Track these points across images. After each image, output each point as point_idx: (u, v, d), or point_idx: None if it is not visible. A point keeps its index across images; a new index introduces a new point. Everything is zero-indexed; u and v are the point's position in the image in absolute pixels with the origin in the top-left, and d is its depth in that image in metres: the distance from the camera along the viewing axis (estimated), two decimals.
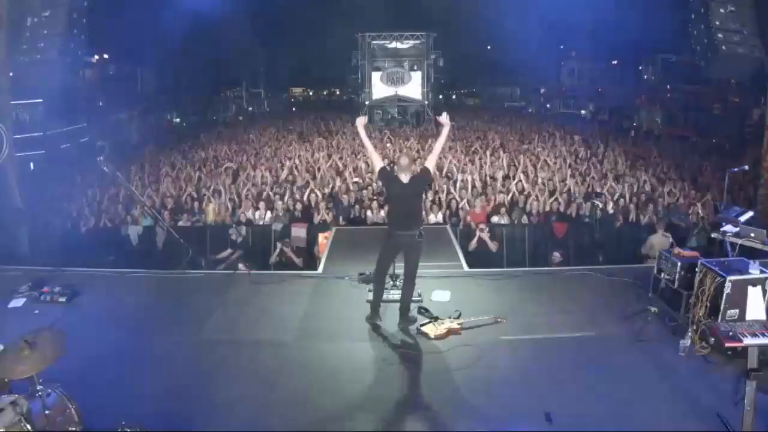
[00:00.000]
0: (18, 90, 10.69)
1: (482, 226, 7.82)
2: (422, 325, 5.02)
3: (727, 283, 4.27)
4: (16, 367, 3.14)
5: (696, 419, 3.69)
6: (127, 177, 10.25)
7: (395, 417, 3.85)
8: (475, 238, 7.72)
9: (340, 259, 6.94)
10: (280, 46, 28.13)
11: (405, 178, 4.90)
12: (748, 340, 3.58)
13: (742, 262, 4.55)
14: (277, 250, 7.67)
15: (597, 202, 8.50)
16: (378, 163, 5.16)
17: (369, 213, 8.92)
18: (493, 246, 7.73)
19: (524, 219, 8.78)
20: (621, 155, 13.27)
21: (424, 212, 5.07)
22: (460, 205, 9.05)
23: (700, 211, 8.51)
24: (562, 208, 8.97)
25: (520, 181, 9.93)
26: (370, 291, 5.78)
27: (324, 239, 7.90)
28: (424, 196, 5.07)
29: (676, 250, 5.38)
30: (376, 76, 24.67)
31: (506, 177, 10.56)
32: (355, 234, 8.24)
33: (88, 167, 10.57)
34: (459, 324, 5.01)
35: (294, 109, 36.37)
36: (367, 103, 24.71)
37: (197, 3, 19.52)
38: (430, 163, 5.20)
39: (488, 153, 12.75)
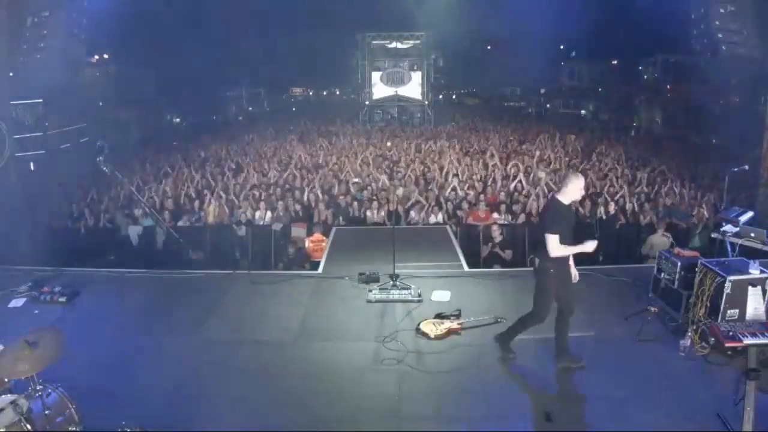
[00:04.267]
0: (18, 90, 10.67)
1: (495, 234, 7.76)
2: (422, 324, 5.02)
3: (727, 283, 4.28)
4: (16, 367, 3.14)
5: (696, 419, 3.70)
6: (127, 177, 10.23)
7: (395, 417, 3.84)
8: (488, 249, 7.71)
9: (340, 259, 6.94)
10: (280, 46, 28.10)
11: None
12: (748, 340, 3.58)
13: (742, 262, 4.55)
14: (283, 264, 7.61)
15: (597, 202, 8.49)
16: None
17: (369, 213, 8.92)
18: (506, 256, 7.70)
19: (523, 218, 8.76)
20: (621, 155, 13.26)
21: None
22: (460, 204, 9.05)
23: (705, 213, 8.45)
24: None
25: (520, 181, 9.93)
26: (370, 291, 5.81)
27: (311, 243, 7.91)
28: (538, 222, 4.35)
29: (676, 250, 5.39)
30: (376, 76, 24.62)
31: (506, 177, 10.56)
32: (355, 234, 8.25)
33: (88, 167, 10.56)
34: (459, 324, 5.02)
35: (294, 109, 36.30)
36: (367, 103, 24.69)
37: (197, 3, 19.51)
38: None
39: (488, 153, 12.74)
